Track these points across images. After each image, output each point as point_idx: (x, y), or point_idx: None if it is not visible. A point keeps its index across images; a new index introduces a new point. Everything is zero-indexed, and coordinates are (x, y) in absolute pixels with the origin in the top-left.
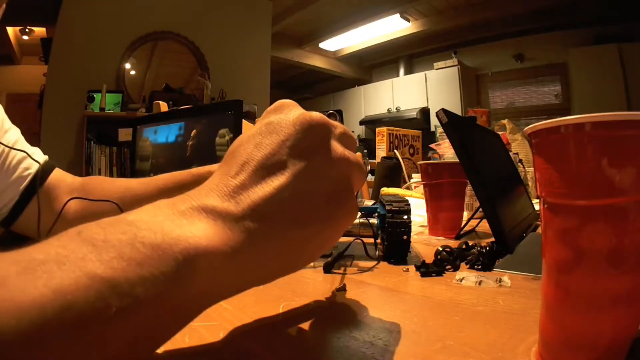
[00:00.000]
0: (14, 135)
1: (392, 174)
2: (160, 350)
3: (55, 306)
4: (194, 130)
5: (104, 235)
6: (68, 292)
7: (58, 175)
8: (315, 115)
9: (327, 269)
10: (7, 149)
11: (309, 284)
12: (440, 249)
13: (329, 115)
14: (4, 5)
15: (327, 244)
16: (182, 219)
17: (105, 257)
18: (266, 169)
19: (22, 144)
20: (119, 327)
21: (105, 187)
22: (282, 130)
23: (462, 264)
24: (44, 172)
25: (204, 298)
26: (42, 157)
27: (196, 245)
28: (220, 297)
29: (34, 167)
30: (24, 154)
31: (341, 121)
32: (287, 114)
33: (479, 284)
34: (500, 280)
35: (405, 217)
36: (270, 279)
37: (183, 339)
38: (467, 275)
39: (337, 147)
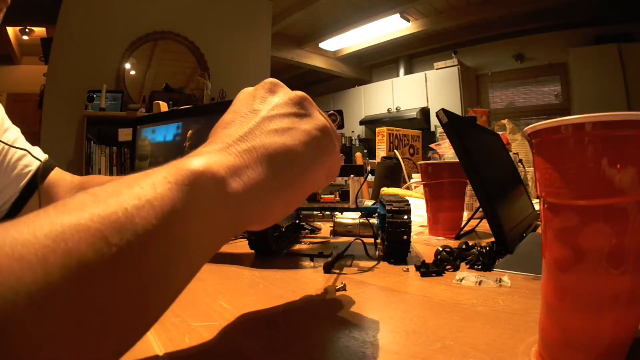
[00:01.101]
0: (13, 134)
1: (392, 174)
2: (160, 351)
3: (57, 255)
4: (190, 131)
5: (100, 189)
6: (68, 237)
7: (58, 174)
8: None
9: (327, 269)
10: (7, 147)
11: (309, 284)
12: (440, 249)
13: (329, 115)
14: (5, 9)
15: (316, 184)
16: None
17: (102, 197)
18: (270, 118)
19: (22, 142)
20: (123, 273)
21: (105, 184)
22: (284, 96)
23: (462, 264)
24: (44, 170)
25: (207, 233)
26: (42, 156)
27: (194, 168)
28: (220, 236)
29: (34, 165)
30: (24, 152)
31: (342, 121)
32: (263, 87)
33: (479, 284)
34: (500, 280)
35: (405, 217)
36: (267, 216)
37: (183, 339)
38: (467, 275)
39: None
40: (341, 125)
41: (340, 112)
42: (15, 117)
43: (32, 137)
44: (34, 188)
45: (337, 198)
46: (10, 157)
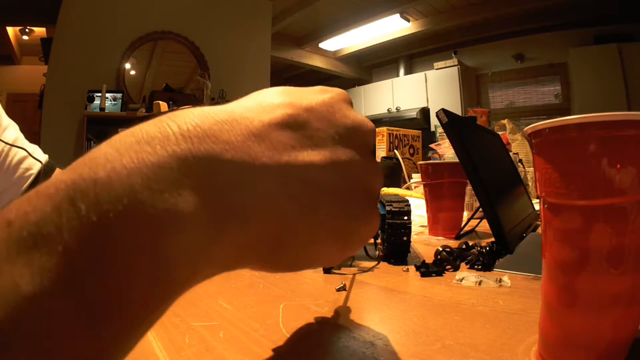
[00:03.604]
0: (12, 132)
1: (392, 174)
2: (160, 351)
3: None
4: None
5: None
6: None
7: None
8: (368, 122)
9: (327, 269)
10: (6, 148)
11: (309, 284)
12: (440, 249)
13: None
14: None
15: (332, 256)
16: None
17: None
18: (306, 137)
19: (22, 141)
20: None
21: None
22: (340, 114)
23: (462, 264)
24: (45, 173)
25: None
26: (42, 157)
27: (174, 213)
28: (209, 267)
29: (36, 167)
30: (25, 153)
31: None
32: (348, 107)
33: (479, 284)
34: (500, 280)
35: (406, 217)
36: (267, 264)
37: (183, 339)
38: (467, 275)
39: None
40: None
41: None
42: (15, 117)
43: (32, 137)
44: None
45: None
46: (11, 159)
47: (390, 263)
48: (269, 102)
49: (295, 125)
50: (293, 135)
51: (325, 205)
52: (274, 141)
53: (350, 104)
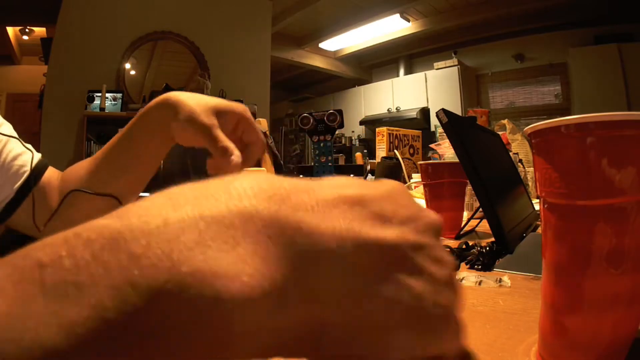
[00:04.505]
0: (6, 130)
1: (392, 174)
2: None
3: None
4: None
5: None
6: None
7: (50, 173)
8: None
9: None
10: (4, 139)
11: None
12: None
13: (329, 115)
14: None
15: (415, 341)
16: (222, 247)
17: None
18: (378, 216)
19: (16, 140)
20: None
21: (77, 173)
22: (413, 208)
23: (462, 264)
24: (38, 170)
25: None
26: (36, 155)
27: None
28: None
29: (29, 165)
30: (18, 152)
31: (341, 120)
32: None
33: (479, 283)
34: (500, 280)
35: None
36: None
37: None
38: (467, 275)
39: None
40: (341, 125)
41: (340, 112)
42: (15, 117)
43: (32, 137)
44: (27, 189)
45: None
46: (6, 155)
47: None
48: (339, 182)
49: (367, 203)
50: (364, 211)
51: (400, 291)
52: (349, 213)
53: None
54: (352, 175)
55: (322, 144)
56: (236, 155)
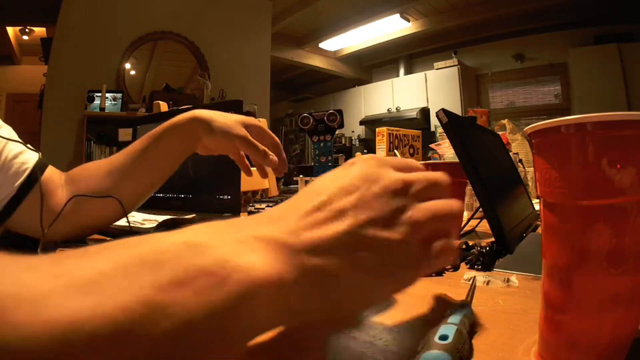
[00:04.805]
0: (5, 132)
1: None
2: None
3: (101, 328)
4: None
5: (158, 256)
6: (117, 316)
7: (51, 172)
8: (390, 178)
9: None
10: (3, 142)
11: None
12: None
13: (329, 115)
14: None
15: (382, 297)
16: (241, 246)
17: (161, 282)
18: (340, 210)
19: (16, 139)
20: (161, 349)
21: (90, 172)
22: (368, 182)
23: (462, 264)
24: (40, 167)
25: (252, 329)
26: (35, 154)
27: (253, 278)
28: (263, 329)
29: (31, 163)
30: (19, 150)
31: (341, 120)
32: (376, 170)
33: (487, 283)
34: (508, 280)
35: None
36: (314, 318)
37: None
38: (475, 275)
39: (409, 211)
40: (341, 125)
41: (340, 112)
42: (15, 117)
43: (32, 137)
44: (28, 187)
45: None
46: (7, 155)
47: None
48: (309, 196)
49: (328, 203)
50: (325, 214)
51: (366, 260)
52: (310, 221)
53: (382, 162)
54: None
55: (322, 144)
56: (272, 155)
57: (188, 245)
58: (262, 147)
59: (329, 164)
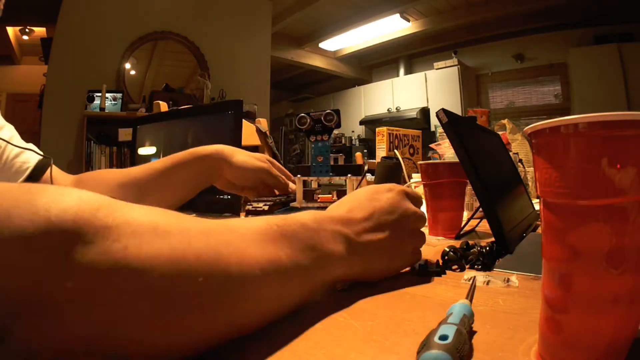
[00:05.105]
0: (7, 133)
1: (392, 174)
2: None
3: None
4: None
5: (299, 236)
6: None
7: (55, 173)
8: (412, 208)
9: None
10: (3, 145)
11: None
12: (447, 249)
13: (326, 115)
14: (2, 6)
15: (391, 272)
16: (332, 240)
17: (293, 249)
18: (379, 225)
19: (18, 140)
20: (271, 290)
21: (101, 179)
22: (396, 208)
23: (462, 264)
24: (42, 166)
25: (329, 281)
26: (37, 155)
27: (335, 255)
28: (335, 282)
29: (32, 162)
30: (20, 149)
31: (339, 120)
32: (402, 201)
33: (487, 283)
34: (508, 280)
35: None
36: (354, 279)
37: None
38: (475, 275)
39: (418, 226)
40: (338, 124)
41: (337, 112)
42: (15, 117)
43: (32, 137)
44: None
45: (335, 197)
46: (8, 154)
47: None
48: (360, 205)
49: (372, 218)
50: (370, 225)
51: (386, 255)
52: (362, 228)
53: (405, 194)
54: (349, 175)
55: (319, 144)
56: (292, 180)
57: (311, 231)
58: (283, 178)
59: (327, 164)
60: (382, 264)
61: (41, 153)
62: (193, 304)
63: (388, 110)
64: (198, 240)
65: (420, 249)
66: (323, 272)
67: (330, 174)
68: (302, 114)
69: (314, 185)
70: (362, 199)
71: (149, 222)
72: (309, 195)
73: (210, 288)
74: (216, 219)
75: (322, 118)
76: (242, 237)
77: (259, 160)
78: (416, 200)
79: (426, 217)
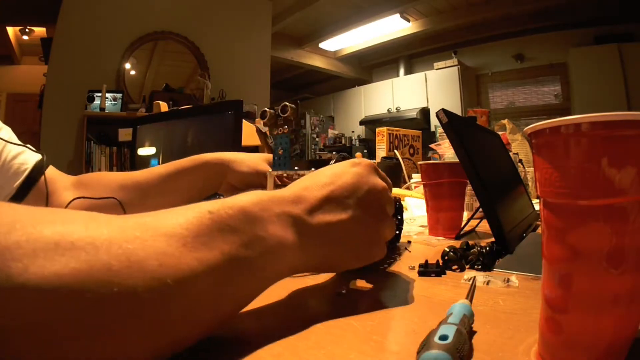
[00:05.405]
0: (5, 134)
1: (392, 174)
2: None
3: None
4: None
5: (237, 225)
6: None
7: (53, 172)
8: (381, 184)
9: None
10: (1, 146)
11: (308, 283)
12: (447, 249)
13: (282, 107)
14: None
15: (362, 262)
16: (278, 224)
17: (230, 242)
18: (340, 203)
19: (16, 141)
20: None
21: (102, 180)
22: (362, 184)
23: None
24: (40, 167)
25: (279, 271)
26: (36, 155)
27: (283, 241)
28: (285, 273)
29: (30, 163)
30: (18, 150)
31: (296, 112)
32: (369, 176)
33: (487, 283)
34: (508, 280)
35: (399, 216)
36: (315, 271)
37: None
38: (475, 275)
39: (387, 210)
40: (298, 116)
41: (295, 103)
42: (15, 117)
43: (32, 137)
44: (27, 187)
45: None
46: (6, 155)
47: (387, 263)
48: (320, 183)
49: (334, 197)
50: (327, 203)
51: (349, 240)
52: (316, 206)
53: (374, 170)
54: (312, 169)
55: (279, 137)
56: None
57: (247, 217)
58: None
59: (287, 156)
60: (347, 250)
61: (34, 149)
62: (110, 318)
63: (388, 110)
64: (108, 248)
65: (387, 242)
66: (272, 264)
67: (296, 168)
68: (264, 108)
69: (286, 180)
70: (322, 175)
71: (51, 235)
72: None
73: (128, 298)
74: (140, 214)
75: (279, 110)
76: (164, 236)
77: (263, 160)
78: (386, 180)
79: (394, 201)
